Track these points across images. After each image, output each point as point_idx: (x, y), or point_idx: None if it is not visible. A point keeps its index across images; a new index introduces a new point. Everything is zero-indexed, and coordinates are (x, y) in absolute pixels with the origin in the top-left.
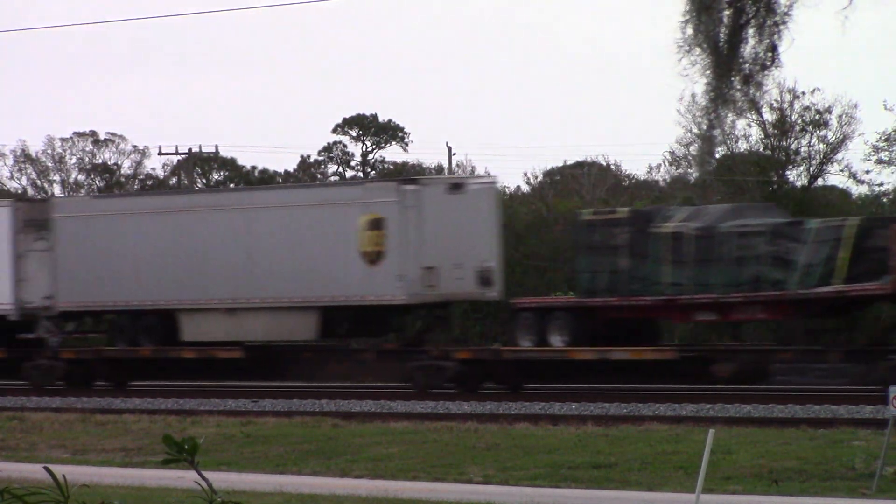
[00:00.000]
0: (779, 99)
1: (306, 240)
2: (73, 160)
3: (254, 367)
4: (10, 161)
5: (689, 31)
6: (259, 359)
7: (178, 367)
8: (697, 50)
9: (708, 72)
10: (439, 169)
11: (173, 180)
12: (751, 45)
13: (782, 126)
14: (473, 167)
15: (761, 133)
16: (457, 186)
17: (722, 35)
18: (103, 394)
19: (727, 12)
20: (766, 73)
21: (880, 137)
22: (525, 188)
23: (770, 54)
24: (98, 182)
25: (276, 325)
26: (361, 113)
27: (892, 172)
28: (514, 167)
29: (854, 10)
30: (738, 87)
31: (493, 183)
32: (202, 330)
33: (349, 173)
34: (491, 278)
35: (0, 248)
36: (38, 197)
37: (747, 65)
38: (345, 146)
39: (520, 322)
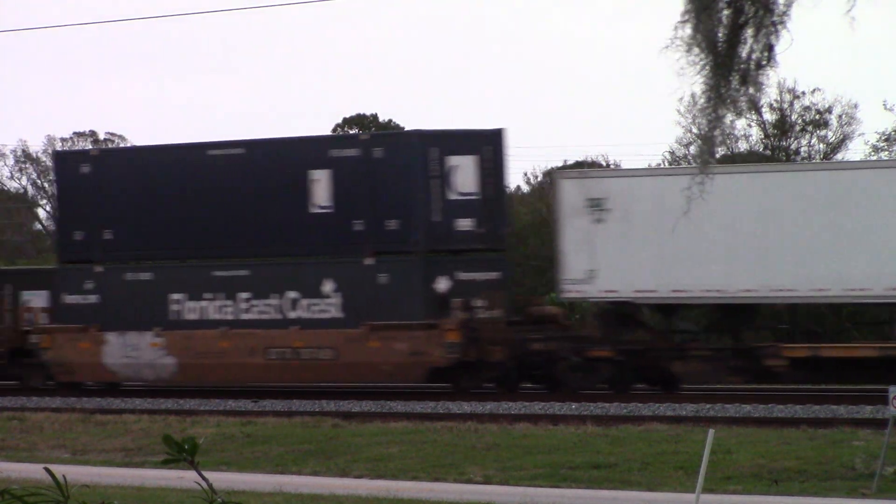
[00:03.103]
0: (779, 99)
1: None
2: None
3: None
4: (10, 161)
5: (688, 30)
6: None
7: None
8: (696, 50)
9: (706, 71)
10: None
11: None
12: (749, 45)
13: (782, 126)
14: None
15: (761, 133)
16: None
17: (720, 35)
18: (104, 394)
19: (726, 12)
20: (761, 72)
21: (880, 137)
22: (525, 188)
23: (766, 54)
24: None
25: None
26: (361, 113)
27: None
28: (514, 167)
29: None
30: (737, 86)
31: None
32: None
33: None
34: None
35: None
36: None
37: (744, 65)
38: None
39: None
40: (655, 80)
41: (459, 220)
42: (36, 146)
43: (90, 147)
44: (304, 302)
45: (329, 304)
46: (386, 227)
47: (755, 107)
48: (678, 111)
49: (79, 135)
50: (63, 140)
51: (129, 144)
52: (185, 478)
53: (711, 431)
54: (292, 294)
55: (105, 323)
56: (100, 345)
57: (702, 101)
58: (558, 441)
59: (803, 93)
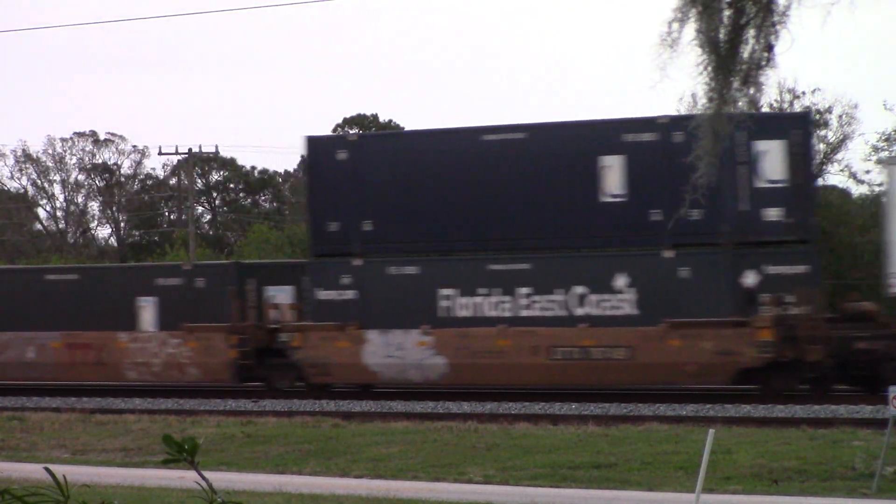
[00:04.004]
0: (779, 99)
1: None
2: (73, 160)
3: None
4: (10, 161)
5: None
6: None
7: None
8: (698, 50)
9: (708, 71)
10: None
11: (173, 180)
12: (750, 46)
13: None
14: None
15: None
16: None
17: (722, 35)
18: (104, 394)
19: (727, 12)
20: (761, 72)
21: (880, 137)
22: None
23: (766, 54)
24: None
25: None
26: (361, 113)
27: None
28: None
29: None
30: (738, 86)
31: None
32: None
33: None
34: None
35: None
36: None
37: (745, 65)
38: None
39: None
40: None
41: (767, 209)
42: (36, 146)
43: (90, 147)
44: (594, 297)
45: (622, 300)
46: (687, 216)
47: (755, 107)
48: (678, 111)
49: (79, 135)
50: (63, 140)
51: (129, 145)
52: (185, 478)
53: (711, 431)
54: (579, 289)
55: (365, 320)
56: (359, 344)
57: (703, 101)
58: (558, 441)
59: (803, 93)
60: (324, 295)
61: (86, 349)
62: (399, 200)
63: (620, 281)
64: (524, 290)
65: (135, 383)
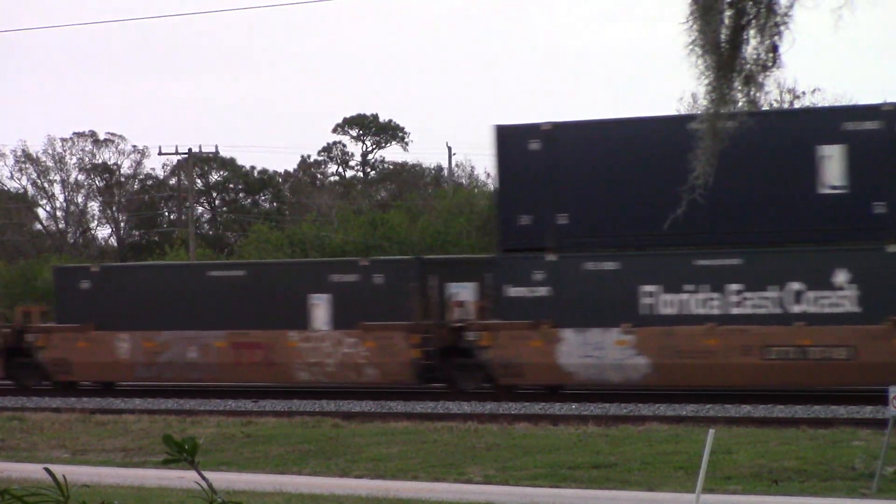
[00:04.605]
0: (779, 99)
1: None
2: (73, 160)
3: None
4: (10, 161)
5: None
6: None
7: None
8: (699, 51)
9: (710, 73)
10: (438, 169)
11: (173, 181)
12: (752, 46)
13: None
14: (473, 167)
15: None
16: None
17: (723, 36)
18: (104, 394)
19: (728, 13)
20: (767, 73)
21: None
22: None
23: (771, 55)
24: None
25: None
26: (361, 113)
27: None
28: None
29: (854, 10)
30: (740, 87)
31: None
32: None
33: (349, 173)
34: None
35: None
36: None
37: (748, 66)
38: (344, 146)
39: None
40: (655, 80)
41: None
42: (36, 146)
43: (90, 147)
44: (811, 294)
45: (842, 297)
46: None
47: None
48: (678, 111)
49: (79, 135)
50: (63, 140)
51: (129, 145)
52: (185, 478)
53: (711, 431)
54: (795, 285)
55: (560, 318)
56: (554, 343)
57: (705, 101)
58: (558, 441)
59: (803, 93)
60: (514, 292)
61: (253, 349)
62: (597, 192)
63: (841, 276)
64: (734, 287)
65: (279, 385)
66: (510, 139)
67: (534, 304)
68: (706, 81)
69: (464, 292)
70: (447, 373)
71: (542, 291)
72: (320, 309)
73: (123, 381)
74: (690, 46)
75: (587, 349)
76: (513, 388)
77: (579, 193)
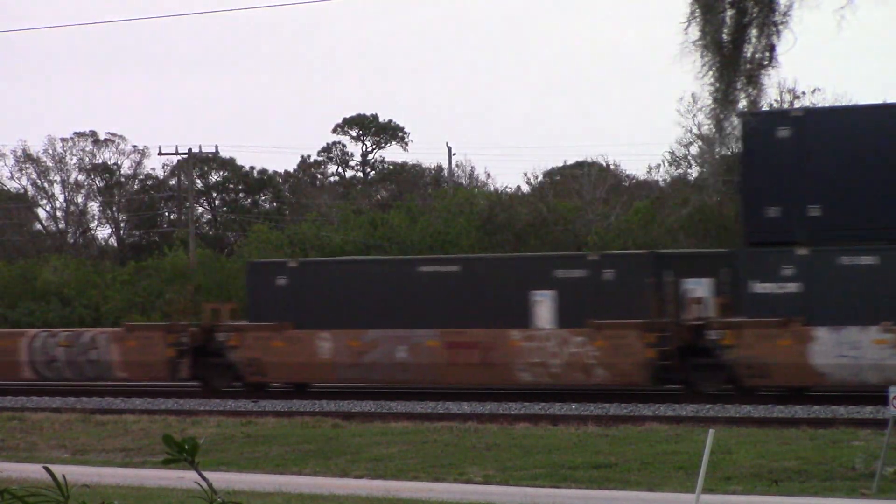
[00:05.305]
0: (779, 99)
1: None
2: (73, 160)
3: None
4: (10, 161)
5: (695, 32)
6: None
7: None
8: (702, 51)
9: (712, 73)
10: (438, 169)
11: (173, 181)
12: (752, 45)
13: None
14: (473, 167)
15: None
16: None
17: (725, 36)
18: (103, 394)
19: (730, 13)
20: (763, 72)
21: None
22: (525, 188)
23: (768, 54)
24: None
25: None
26: (361, 113)
27: None
28: (515, 167)
29: (854, 10)
30: (741, 87)
31: None
32: None
33: (349, 173)
34: None
35: None
36: None
37: (749, 65)
38: (344, 146)
39: None
40: (655, 80)
41: None
42: (36, 146)
43: (90, 147)
44: None
45: None
46: None
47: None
48: (678, 111)
49: (79, 135)
50: (63, 140)
51: (129, 145)
52: (185, 478)
53: (711, 431)
54: None
55: (811, 316)
56: (805, 342)
57: (707, 101)
58: (558, 441)
59: (803, 93)
60: (759, 287)
61: (469, 348)
62: (854, 182)
63: None
64: None
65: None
66: (756, 127)
67: (782, 301)
68: (709, 81)
69: (699, 288)
70: (685, 374)
71: (792, 287)
72: (543, 306)
73: (321, 383)
74: (690, 45)
75: (842, 349)
76: (756, 390)
77: (833, 184)
